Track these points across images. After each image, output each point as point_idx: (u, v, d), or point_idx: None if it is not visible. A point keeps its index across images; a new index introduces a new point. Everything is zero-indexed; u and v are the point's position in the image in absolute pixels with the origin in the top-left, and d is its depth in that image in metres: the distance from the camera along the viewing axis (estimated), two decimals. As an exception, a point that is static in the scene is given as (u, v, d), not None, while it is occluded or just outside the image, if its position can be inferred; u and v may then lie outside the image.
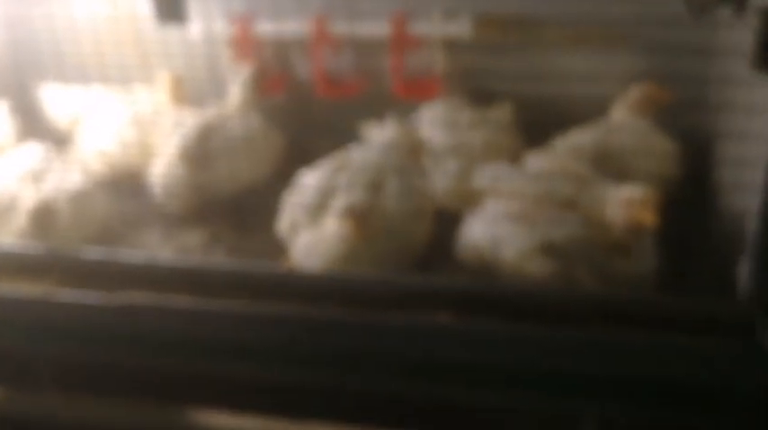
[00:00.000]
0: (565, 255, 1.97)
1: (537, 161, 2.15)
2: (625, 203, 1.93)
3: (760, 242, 1.79)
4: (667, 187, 2.11)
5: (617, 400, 1.89)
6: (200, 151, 2.48)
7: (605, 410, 1.94)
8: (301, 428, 2.17)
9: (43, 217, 2.30)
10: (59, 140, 2.68)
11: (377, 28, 2.54)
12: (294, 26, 2.53)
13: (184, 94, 2.71)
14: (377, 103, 2.36)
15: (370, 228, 2.09)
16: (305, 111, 2.85)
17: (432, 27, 2.51)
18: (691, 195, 1.89)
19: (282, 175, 2.41)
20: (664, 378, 1.82)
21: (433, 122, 2.43)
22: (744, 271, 1.86)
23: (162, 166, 2.49)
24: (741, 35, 1.69)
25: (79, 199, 2.37)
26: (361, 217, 2.07)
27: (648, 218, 1.90)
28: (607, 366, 1.82)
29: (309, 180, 2.21)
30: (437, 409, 2.19)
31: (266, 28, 2.67)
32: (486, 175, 2.10)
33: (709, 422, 1.86)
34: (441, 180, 2.17)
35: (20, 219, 2.32)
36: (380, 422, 2.16)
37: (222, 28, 2.70)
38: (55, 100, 2.77)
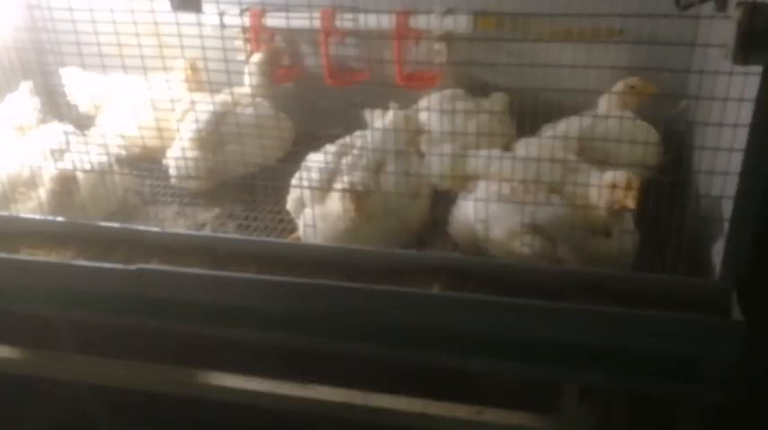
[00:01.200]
0: (550, 234, 2.11)
1: (527, 148, 2.27)
2: (609, 187, 2.05)
3: (735, 225, 1.91)
4: (649, 173, 2.23)
5: (598, 370, 2.03)
6: (214, 136, 2.63)
7: (586, 379, 2.07)
8: (305, 390, 2.30)
9: (64, 184, 2.43)
10: (81, 124, 2.81)
11: (381, 22, 2.66)
12: (303, 18, 2.66)
13: (200, 80, 2.85)
14: (380, 92, 2.48)
15: (370, 207, 2.23)
16: (313, 98, 2.98)
17: (432, 22, 2.64)
18: (671, 180, 2.00)
19: (291, 158, 2.55)
20: (643, 350, 1.94)
21: (432, 110, 2.56)
22: (720, 251, 1.98)
23: (177, 149, 2.63)
24: (720, 28, 1.80)
25: (99, 176, 2.50)
26: (361, 196, 2.21)
27: (630, 201, 2.03)
28: (589, 337, 1.94)
29: (315, 162, 2.35)
30: (429, 374, 2.31)
31: (277, 19, 2.80)
32: (480, 160, 2.23)
33: (686, 391, 1.99)
34: (437, 163, 2.31)
35: (42, 194, 2.46)
36: (375, 384, 2.30)
37: (235, 18, 2.83)
38: (76, 84, 2.90)
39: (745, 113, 1.81)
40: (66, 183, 2.44)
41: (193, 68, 2.84)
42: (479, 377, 2.20)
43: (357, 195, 2.21)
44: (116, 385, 2.54)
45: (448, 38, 2.70)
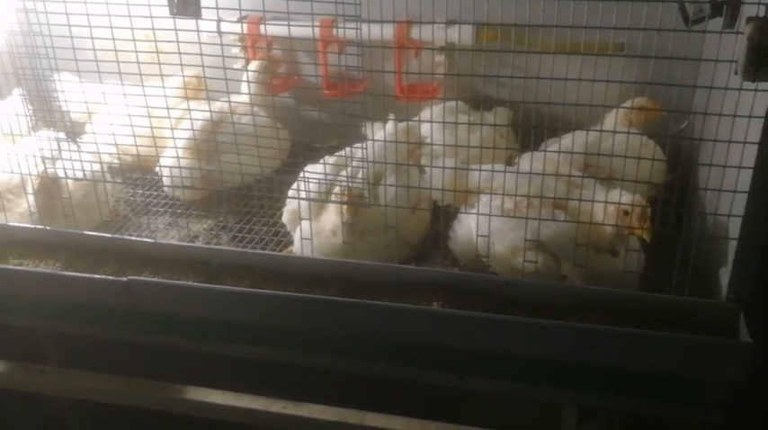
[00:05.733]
0: (554, 251, 2.06)
1: (531, 162, 2.23)
2: (617, 213, 2.02)
3: (743, 244, 1.88)
4: (656, 191, 2.19)
5: (601, 391, 1.98)
6: (209, 144, 2.58)
7: (589, 400, 2.02)
8: (298, 408, 2.25)
9: (44, 185, 2.38)
10: (74, 131, 2.76)
11: (380, 32, 2.61)
12: (301, 27, 2.62)
13: (200, 88, 2.81)
14: (379, 103, 2.45)
15: (368, 220, 2.19)
16: (311, 108, 2.94)
17: (434, 33, 2.60)
18: (678, 198, 1.97)
19: (287, 169, 2.50)
20: (647, 370, 1.90)
21: (434, 123, 2.52)
22: (727, 271, 1.94)
23: (171, 158, 2.58)
24: (729, 44, 1.77)
25: (90, 185, 2.46)
26: (355, 199, 2.16)
27: (640, 228, 1.99)
28: (592, 357, 1.90)
29: (312, 173, 2.30)
30: (427, 394, 2.26)
31: (275, 27, 2.76)
32: (482, 174, 2.19)
33: (690, 413, 1.95)
34: (438, 177, 2.26)
35: (28, 201, 2.41)
36: (371, 404, 2.25)
37: (233, 25, 2.79)
38: (69, 90, 2.84)
39: (754, 130, 1.79)
40: (45, 184, 2.39)
41: (198, 81, 2.80)
42: (478, 397, 2.14)
43: (352, 196, 2.17)
44: (102, 400, 2.48)
45: (449, 49, 2.67)
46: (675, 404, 1.94)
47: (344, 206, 2.16)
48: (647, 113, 2.44)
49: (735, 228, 1.89)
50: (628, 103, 2.50)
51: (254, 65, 2.81)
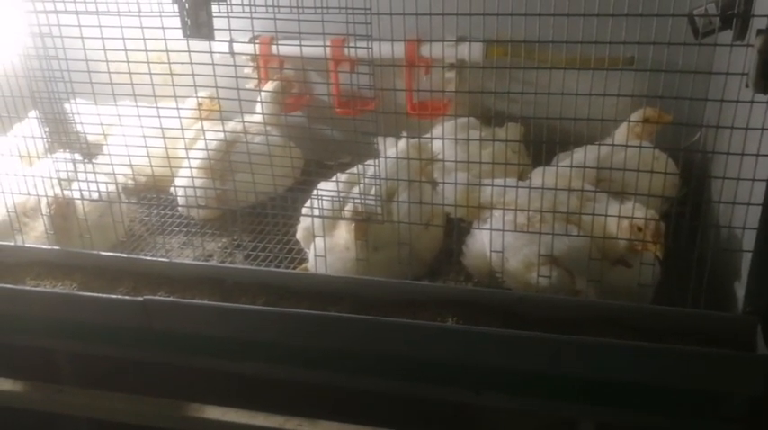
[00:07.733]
0: (568, 266, 2.06)
1: (543, 177, 2.23)
2: (631, 227, 2.02)
3: (759, 256, 1.87)
4: (668, 204, 2.18)
5: (616, 405, 1.97)
6: (223, 164, 2.60)
7: (605, 415, 2.01)
8: (314, 426, 2.24)
9: (59, 208, 2.41)
10: (88, 152, 2.79)
11: (389, 50, 2.63)
12: (312, 46, 2.65)
13: (215, 109, 2.84)
14: (391, 121, 2.46)
15: (380, 237, 2.20)
16: (322, 126, 2.97)
17: (445, 50, 2.61)
18: (691, 210, 1.97)
19: (300, 187, 2.52)
20: (664, 385, 1.89)
21: (446, 139, 2.52)
22: (743, 284, 1.94)
23: (186, 178, 2.60)
24: (739, 57, 1.78)
25: (105, 205, 2.48)
26: (363, 218, 2.18)
27: (653, 243, 1.99)
28: (608, 371, 1.89)
29: (325, 191, 2.31)
30: (442, 409, 2.25)
31: (287, 47, 2.79)
32: (495, 189, 2.20)
33: (708, 428, 1.93)
34: (451, 192, 2.27)
35: (44, 222, 2.43)
36: (387, 421, 2.24)
37: (245, 45, 2.82)
38: (84, 112, 2.87)
39: (767, 142, 1.78)
40: (60, 208, 2.42)
41: (212, 101, 2.84)
42: (494, 413, 2.13)
43: (360, 215, 2.18)
44: (119, 419, 2.48)
45: (459, 66, 2.68)
46: (693, 418, 1.93)
47: (353, 226, 2.17)
48: (656, 122, 2.44)
49: (749, 240, 1.88)
50: (633, 116, 2.50)
51: (270, 85, 2.84)
